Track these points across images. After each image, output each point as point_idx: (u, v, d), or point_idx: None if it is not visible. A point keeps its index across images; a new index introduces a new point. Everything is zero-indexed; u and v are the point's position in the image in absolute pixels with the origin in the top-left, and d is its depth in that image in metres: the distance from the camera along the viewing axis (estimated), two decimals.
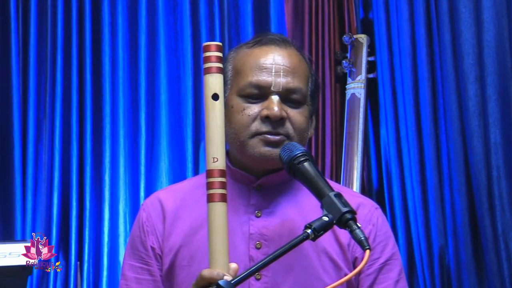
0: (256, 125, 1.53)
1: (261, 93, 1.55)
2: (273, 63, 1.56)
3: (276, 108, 1.52)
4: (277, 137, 1.53)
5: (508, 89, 2.94)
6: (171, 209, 1.60)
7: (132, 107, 3.45)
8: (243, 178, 1.59)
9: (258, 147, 1.53)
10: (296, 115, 1.55)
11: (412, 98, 3.19)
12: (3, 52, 3.33)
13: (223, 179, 1.37)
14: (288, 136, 1.54)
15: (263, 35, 1.64)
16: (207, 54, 1.40)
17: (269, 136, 1.53)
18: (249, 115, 1.54)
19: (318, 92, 1.69)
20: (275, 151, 1.51)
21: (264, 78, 1.55)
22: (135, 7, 3.49)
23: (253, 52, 1.59)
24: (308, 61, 1.65)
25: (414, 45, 3.20)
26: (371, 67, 3.42)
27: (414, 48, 3.20)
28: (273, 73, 1.55)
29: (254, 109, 1.54)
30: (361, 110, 3.29)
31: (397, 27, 3.28)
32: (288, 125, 1.54)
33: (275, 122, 1.53)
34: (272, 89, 1.54)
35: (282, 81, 1.55)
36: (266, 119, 1.53)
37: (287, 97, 1.55)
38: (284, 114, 1.53)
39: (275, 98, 1.54)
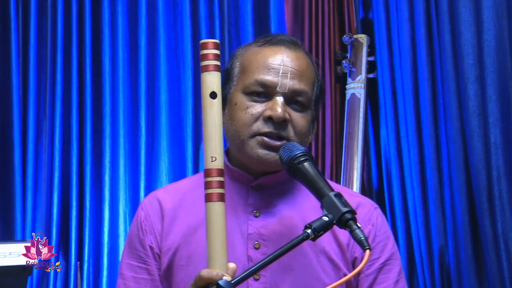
0: (258, 125, 1.52)
1: (265, 92, 1.53)
2: (281, 64, 1.53)
3: (279, 110, 1.50)
4: (277, 143, 1.50)
5: (508, 89, 2.93)
6: (170, 208, 1.59)
7: (132, 107, 3.45)
8: (241, 178, 1.58)
9: (256, 149, 1.51)
10: (299, 118, 1.53)
11: (412, 98, 3.19)
12: (3, 52, 3.33)
13: (221, 179, 1.36)
14: (288, 140, 1.51)
15: (273, 35, 1.61)
16: (205, 51, 1.38)
17: (268, 140, 1.51)
18: (252, 114, 1.52)
19: (323, 98, 1.66)
20: (273, 155, 1.50)
21: (271, 77, 1.52)
22: (135, 7, 3.49)
23: (262, 50, 1.57)
24: (315, 66, 1.62)
25: (414, 45, 3.20)
26: (371, 67, 3.41)
27: (414, 48, 3.20)
28: (280, 74, 1.52)
29: (258, 108, 1.52)
30: (361, 110, 3.29)
31: (397, 27, 3.28)
32: (290, 128, 1.52)
33: (278, 123, 1.50)
34: (277, 89, 1.52)
35: (289, 82, 1.52)
36: (269, 119, 1.51)
37: (292, 99, 1.53)
38: (287, 116, 1.51)
39: (279, 99, 1.51)
